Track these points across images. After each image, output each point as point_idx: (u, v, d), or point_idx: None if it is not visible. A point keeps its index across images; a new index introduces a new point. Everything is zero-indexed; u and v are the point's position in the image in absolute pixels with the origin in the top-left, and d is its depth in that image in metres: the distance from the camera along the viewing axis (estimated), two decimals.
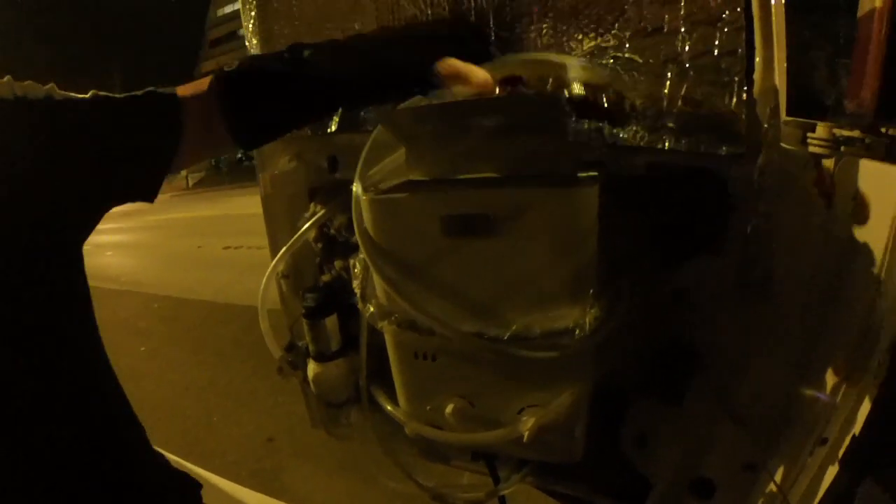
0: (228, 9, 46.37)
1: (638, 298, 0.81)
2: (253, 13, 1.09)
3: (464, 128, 0.78)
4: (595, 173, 0.72)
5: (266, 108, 0.71)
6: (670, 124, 0.74)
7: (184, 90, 0.68)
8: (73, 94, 0.66)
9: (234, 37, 45.03)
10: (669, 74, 0.74)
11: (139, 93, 0.67)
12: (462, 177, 0.77)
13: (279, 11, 1.06)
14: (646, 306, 0.85)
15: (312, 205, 1.02)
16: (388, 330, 0.85)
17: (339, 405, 1.20)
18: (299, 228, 1.02)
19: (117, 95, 0.66)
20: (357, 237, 0.80)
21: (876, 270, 0.69)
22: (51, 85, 0.64)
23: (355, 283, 0.87)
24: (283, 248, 1.03)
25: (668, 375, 0.90)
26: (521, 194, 0.71)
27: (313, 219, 0.99)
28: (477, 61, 0.74)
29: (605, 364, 0.83)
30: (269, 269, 1.07)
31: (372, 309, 0.84)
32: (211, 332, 5.20)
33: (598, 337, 0.73)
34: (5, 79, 0.62)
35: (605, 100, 0.77)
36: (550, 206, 0.71)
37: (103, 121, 0.65)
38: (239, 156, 39.13)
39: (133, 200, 0.67)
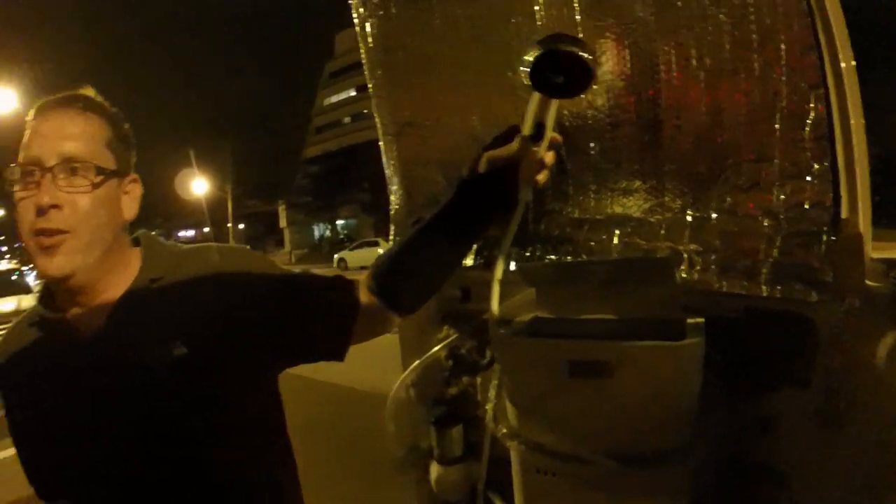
0: (334, 98, 50.40)
1: (729, 426, 0.90)
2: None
3: (583, 279, 0.93)
4: (701, 320, 0.83)
5: (409, 288, 0.90)
6: (765, 272, 0.84)
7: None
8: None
9: (338, 124, 48.53)
10: (765, 225, 0.86)
11: (330, 276, 0.91)
12: (583, 317, 0.92)
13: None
14: (736, 432, 0.93)
15: (445, 328, 1.19)
16: (515, 448, 0.98)
17: None
18: (431, 347, 1.18)
19: (316, 274, 0.92)
20: (496, 368, 0.95)
21: None
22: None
23: (488, 406, 1.02)
24: (416, 363, 1.20)
25: (755, 494, 0.97)
26: (639, 348, 0.83)
27: (447, 341, 1.16)
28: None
29: (699, 485, 0.92)
30: (400, 379, 1.24)
31: (504, 430, 0.97)
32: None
33: (694, 460, 0.83)
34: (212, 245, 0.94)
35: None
36: (663, 357, 0.82)
37: (308, 288, 0.91)
38: (341, 237, 41.35)
39: (324, 359, 0.90)
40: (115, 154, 0.85)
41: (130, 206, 0.88)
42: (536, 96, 0.77)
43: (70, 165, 0.79)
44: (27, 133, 0.82)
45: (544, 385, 0.93)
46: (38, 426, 0.87)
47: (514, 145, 0.78)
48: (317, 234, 45.57)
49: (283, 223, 45.98)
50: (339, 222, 42.95)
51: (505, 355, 0.98)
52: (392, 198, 1.36)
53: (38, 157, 0.79)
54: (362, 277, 0.89)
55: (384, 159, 1.37)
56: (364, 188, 35.66)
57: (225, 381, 0.83)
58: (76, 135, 0.81)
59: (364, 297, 0.88)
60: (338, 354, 0.89)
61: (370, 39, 1.36)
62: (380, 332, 0.93)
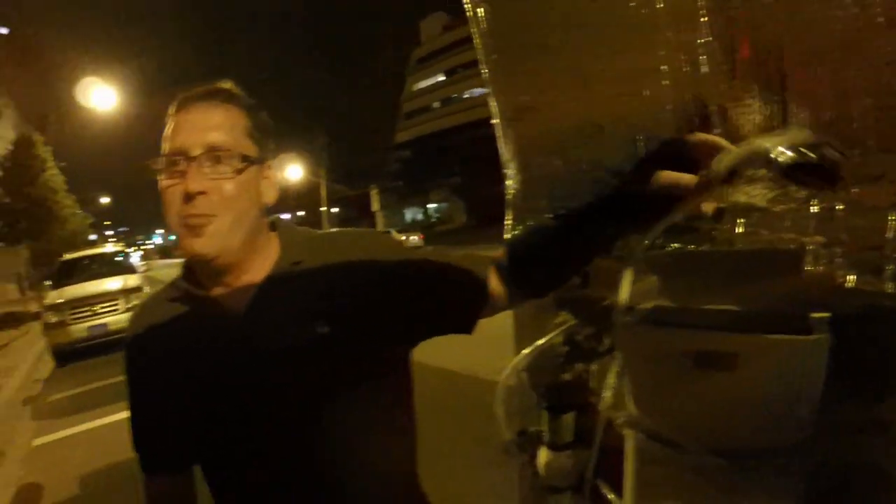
0: (423, 84, 50.98)
1: (848, 426, 0.85)
2: None
3: (707, 269, 0.90)
4: (827, 315, 0.78)
5: (543, 275, 0.93)
6: (892, 267, 0.78)
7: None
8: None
9: (428, 109, 49.05)
10: (892, 219, 0.79)
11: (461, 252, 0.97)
12: (707, 307, 0.89)
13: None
14: (854, 433, 0.88)
15: (563, 313, 1.18)
16: (632, 437, 0.97)
17: (560, 490, 1.32)
18: (547, 332, 1.19)
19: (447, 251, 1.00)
20: (615, 355, 0.94)
21: None
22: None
23: (605, 393, 1.01)
24: (531, 347, 1.20)
25: (871, 499, 0.91)
26: (766, 341, 0.80)
27: (564, 326, 1.16)
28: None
29: (815, 485, 0.87)
30: (513, 362, 1.25)
31: (622, 418, 0.97)
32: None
33: (812, 459, 0.80)
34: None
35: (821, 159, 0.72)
36: (790, 351, 0.80)
37: (440, 265, 0.95)
38: (433, 220, 41.92)
39: (452, 332, 0.95)
40: (255, 142, 0.90)
41: (270, 191, 0.93)
42: (748, 147, 0.74)
43: (214, 154, 0.84)
44: (170, 125, 0.88)
45: (666, 374, 0.91)
46: (170, 396, 0.91)
47: (696, 179, 0.78)
48: (408, 217, 46.53)
49: (375, 207, 47.27)
50: (431, 206, 43.57)
51: (628, 343, 0.97)
52: (508, 182, 1.37)
53: (183, 147, 0.84)
54: (493, 255, 0.92)
55: (500, 144, 1.38)
56: (455, 172, 35.87)
57: (365, 357, 0.88)
58: (218, 125, 0.86)
59: (492, 276, 0.91)
60: (467, 328, 0.93)
61: (483, 24, 1.36)
62: (500, 310, 0.96)
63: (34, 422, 6.43)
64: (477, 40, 1.39)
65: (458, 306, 0.92)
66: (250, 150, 0.88)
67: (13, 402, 7.18)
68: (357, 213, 56.97)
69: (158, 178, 0.87)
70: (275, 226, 0.97)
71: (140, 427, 0.97)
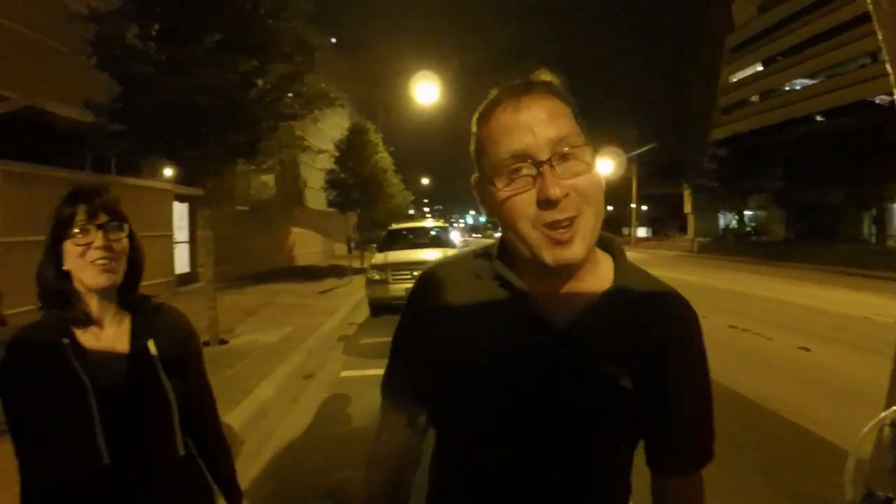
0: (739, 75, 45.56)
1: None
2: None
3: None
4: None
5: None
6: None
7: None
8: None
9: (745, 104, 43.86)
10: None
11: None
12: None
13: None
14: None
15: None
16: None
17: None
18: None
19: None
20: None
21: None
22: None
23: None
24: None
25: None
26: None
27: None
28: None
29: None
30: (881, 415, 0.98)
31: None
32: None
33: None
34: None
35: None
36: None
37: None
38: (748, 229, 37.99)
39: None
40: (581, 129, 0.83)
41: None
42: None
43: (563, 152, 0.79)
44: (497, 126, 0.83)
45: None
46: (462, 368, 0.89)
47: None
48: (722, 222, 42.55)
49: (687, 208, 44.44)
50: (747, 213, 39.09)
51: None
52: None
53: (527, 151, 0.79)
54: None
55: None
56: (777, 176, 31.27)
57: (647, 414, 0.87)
58: (554, 121, 0.80)
59: None
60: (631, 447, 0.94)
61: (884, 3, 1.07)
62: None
63: (344, 356, 7.45)
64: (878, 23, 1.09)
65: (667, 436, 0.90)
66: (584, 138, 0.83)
67: (329, 338, 8.42)
68: (667, 212, 54.31)
69: (493, 187, 0.83)
70: (609, 241, 0.94)
71: (396, 369, 1.02)
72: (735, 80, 45.83)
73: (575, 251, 0.79)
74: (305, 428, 4.72)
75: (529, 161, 0.79)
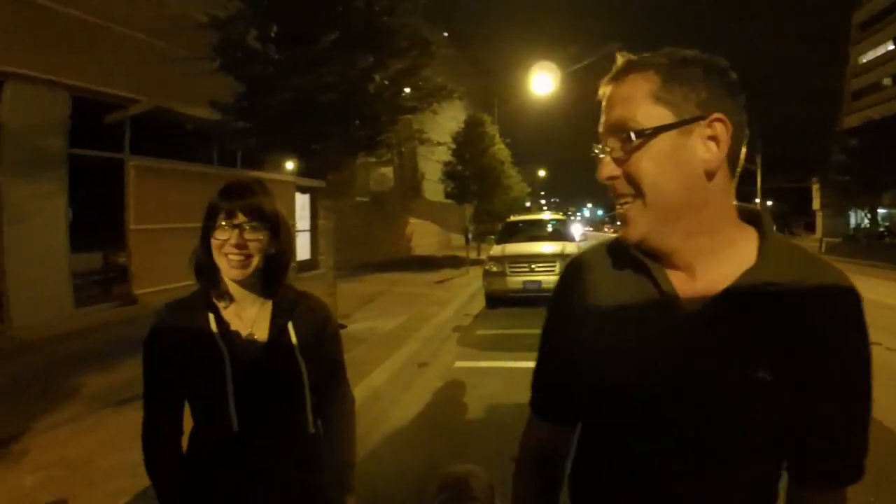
0: (869, 55, 40.11)
1: None
2: None
3: None
4: None
5: None
6: None
7: None
8: None
9: (878, 87, 38.58)
10: None
11: None
12: None
13: None
14: None
15: None
16: None
17: None
18: None
19: None
20: None
21: None
22: None
23: None
24: None
25: None
26: None
27: None
28: None
29: None
30: None
31: None
32: None
33: None
34: None
35: None
36: None
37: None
38: (881, 229, 33.71)
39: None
40: (667, 104, 0.79)
41: (707, 154, 0.79)
42: None
43: (612, 136, 0.83)
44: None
45: None
46: (587, 350, 0.91)
47: None
48: (853, 221, 38.03)
49: (815, 205, 40.32)
50: (881, 211, 34.49)
51: None
52: None
53: (600, 131, 0.86)
54: None
55: None
56: None
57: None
58: (617, 102, 0.83)
59: None
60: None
61: None
62: None
63: (458, 347, 7.46)
64: None
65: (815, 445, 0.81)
66: (656, 117, 0.79)
67: (445, 328, 8.55)
68: (793, 208, 49.61)
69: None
70: (755, 216, 0.87)
71: (545, 370, 1.03)
72: (865, 61, 40.58)
73: (630, 232, 0.83)
74: (417, 415, 4.82)
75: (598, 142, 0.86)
